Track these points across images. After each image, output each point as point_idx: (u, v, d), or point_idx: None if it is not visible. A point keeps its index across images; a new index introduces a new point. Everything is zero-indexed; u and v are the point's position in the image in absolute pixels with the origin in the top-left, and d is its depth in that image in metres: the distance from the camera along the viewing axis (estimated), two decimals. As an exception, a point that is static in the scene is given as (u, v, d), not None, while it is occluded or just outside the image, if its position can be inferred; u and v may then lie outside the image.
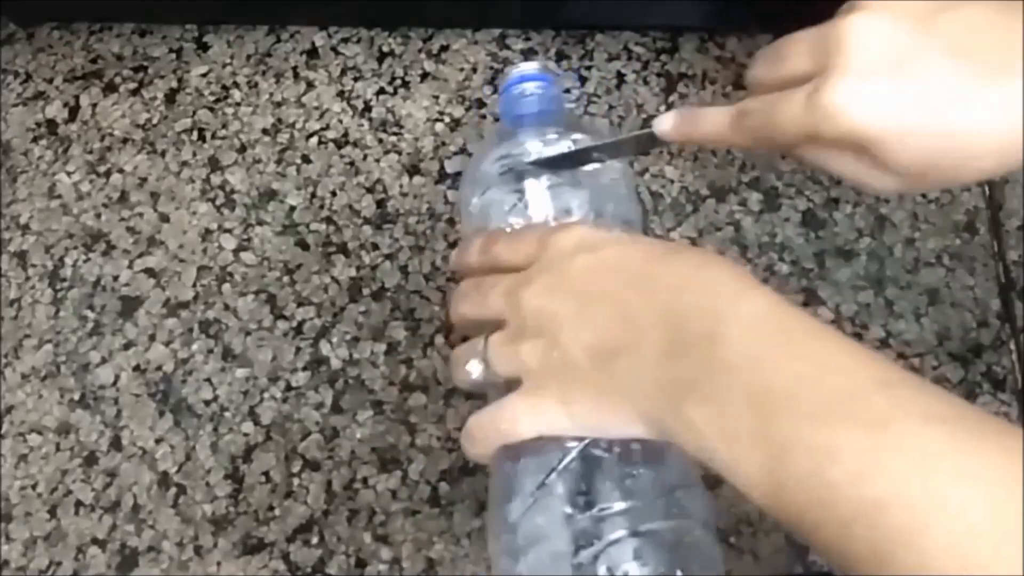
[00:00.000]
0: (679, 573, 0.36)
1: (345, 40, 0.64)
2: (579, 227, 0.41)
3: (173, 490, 0.53)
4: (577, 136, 0.47)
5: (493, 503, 0.40)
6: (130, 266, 0.59)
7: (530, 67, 0.49)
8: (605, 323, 0.36)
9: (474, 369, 0.40)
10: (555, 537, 0.37)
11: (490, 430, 0.39)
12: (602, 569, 0.36)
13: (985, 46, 0.35)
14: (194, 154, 0.61)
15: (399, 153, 0.60)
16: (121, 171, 0.61)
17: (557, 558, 0.36)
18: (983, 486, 0.28)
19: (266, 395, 0.54)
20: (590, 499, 0.37)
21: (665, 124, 0.43)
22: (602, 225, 0.44)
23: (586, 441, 0.38)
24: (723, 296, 0.35)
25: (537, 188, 0.45)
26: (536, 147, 0.46)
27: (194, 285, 0.58)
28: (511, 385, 0.39)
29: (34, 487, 0.54)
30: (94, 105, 0.63)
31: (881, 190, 0.38)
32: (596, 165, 0.46)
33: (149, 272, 0.58)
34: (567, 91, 0.60)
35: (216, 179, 0.60)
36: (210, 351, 0.56)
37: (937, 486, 0.28)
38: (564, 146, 0.46)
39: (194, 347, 0.56)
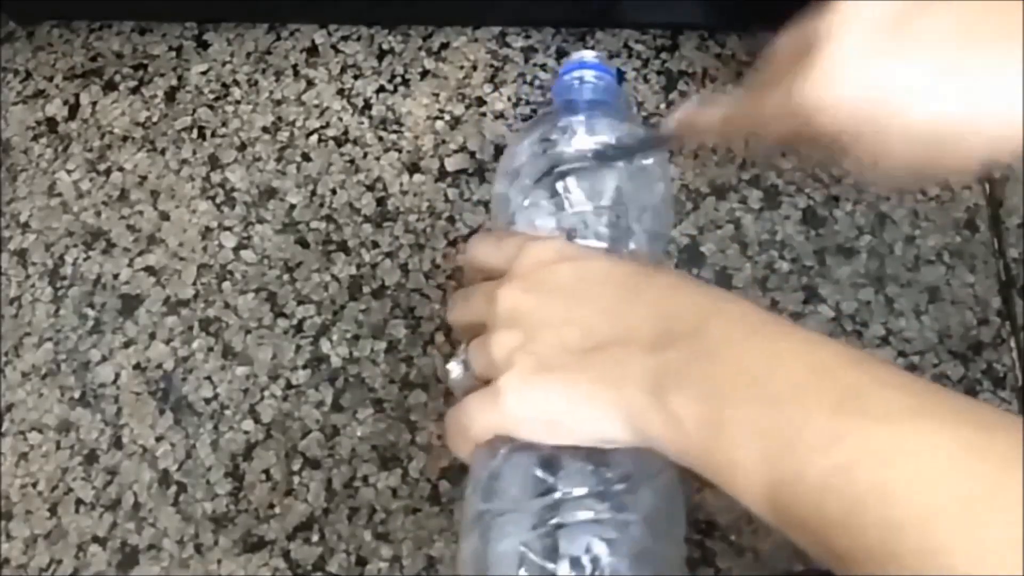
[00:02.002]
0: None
1: (345, 38, 0.64)
2: (558, 240, 0.42)
3: (173, 488, 0.53)
4: (625, 130, 0.46)
5: (471, 498, 0.40)
6: (130, 264, 0.59)
7: (590, 55, 0.49)
8: (592, 323, 0.37)
9: (453, 368, 0.41)
10: (521, 512, 0.37)
11: (454, 427, 0.39)
12: (561, 547, 0.36)
13: (977, 34, 0.35)
14: (194, 152, 0.61)
15: (399, 151, 0.60)
16: (121, 169, 0.61)
17: (520, 529, 0.37)
18: (995, 492, 0.28)
19: (266, 393, 0.54)
20: (554, 482, 0.37)
21: (668, 123, 0.44)
22: (627, 227, 0.44)
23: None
24: (709, 298, 0.36)
25: (572, 182, 0.45)
26: (582, 136, 0.45)
27: (194, 283, 0.58)
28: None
29: (34, 485, 0.54)
30: (94, 103, 0.63)
31: (878, 182, 0.39)
32: (645, 162, 0.46)
33: (149, 270, 0.58)
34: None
35: (216, 177, 0.60)
36: (210, 349, 0.56)
37: (942, 478, 0.28)
38: (606, 138, 0.46)
39: (194, 345, 0.56)
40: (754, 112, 0.39)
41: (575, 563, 0.36)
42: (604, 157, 0.45)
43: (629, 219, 0.44)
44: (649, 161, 0.46)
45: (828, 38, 0.35)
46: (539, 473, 0.38)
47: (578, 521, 0.37)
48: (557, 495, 0.37)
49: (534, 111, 0.60)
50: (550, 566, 0.36)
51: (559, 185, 0.44)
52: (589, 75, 0.48)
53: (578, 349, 0.36)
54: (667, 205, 0.48)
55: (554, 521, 0.37)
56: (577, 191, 0.44)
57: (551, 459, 0.38)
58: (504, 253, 0.41)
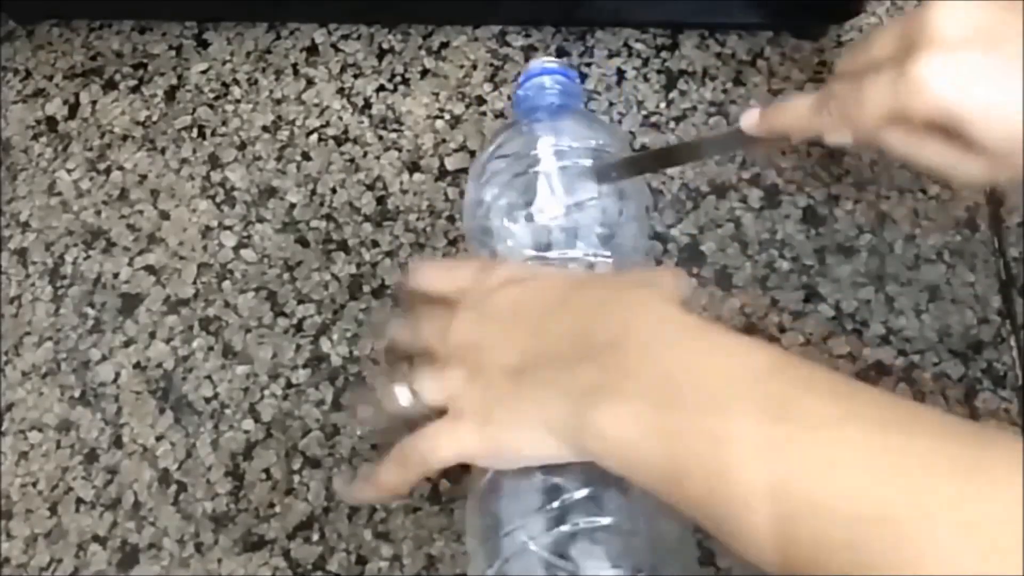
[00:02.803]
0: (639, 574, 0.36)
1: (345, 37, 0.64)
2: (510, 263, 0.42)
3: (174, 487, 0.53)
4: (595, 135, 0.46)
5: (474, 525, 0.40)
6: (130, 263, 0.58)
7: (551, 61, 0.49)
8: (523, 344, 0.37)
9: (402, 395, 0.40)
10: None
11: (413, 455, 0.39)
12: (571, 552, 0.36)
13: None
14: (194, 151, 0.61)
15: (399, 150, 0.60)
16: (121, 168, 0.61)
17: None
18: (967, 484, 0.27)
19: (266, 392, 0.54)
20: (555, 490, 0.37)
21: (750, 119, 0.42)
22: (613, 231, 0.44)
23: (579, 492, 0.38)
24: (632, 307, 0.36)
25: (546, 189, 0.45)
26: (549, 144, 0.45)
27: (194, 282, 0.58)
28: (439, 415, 0.39)
29: (35, 484, 0.54)
30: (94, 102, 0.63)
31: (969, 177, 0.38)
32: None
33: (149, 269, 0.58)
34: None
35: (216, 176, 0.60)
36: (210, 348, 0.56)
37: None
38: (580, 145, 0.45)
39: (194, 344, 0.56)
40: (854, 95, 0.38)
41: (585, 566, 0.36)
42: (666, 161, 0.44)
43: (608, 222, 0.44)
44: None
45: (943, 15, 0.35)
46: (539, 484, 0.38)
47: (582, 528, 0.37)
48: (557, 504, 0.37)
49: (534, 110, 0.60)
50: (564, 568, 0.36)
51: (535, 189, 0.44)
52: (551, 81, 0.48)
53: (513, 372, 0.36)
54: (643, 202, 0.48)
55: (561, 529, 0.37)
56: (551, 196, 0.44)
57: (548, 471, 0.38)
58: (455, 282, 0.41)
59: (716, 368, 0.32)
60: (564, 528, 0.37)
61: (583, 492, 0.37)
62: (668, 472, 0.32)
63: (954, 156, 0.37)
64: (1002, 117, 0.35)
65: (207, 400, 0.55)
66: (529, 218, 0.44)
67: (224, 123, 0.62)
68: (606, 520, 0.37)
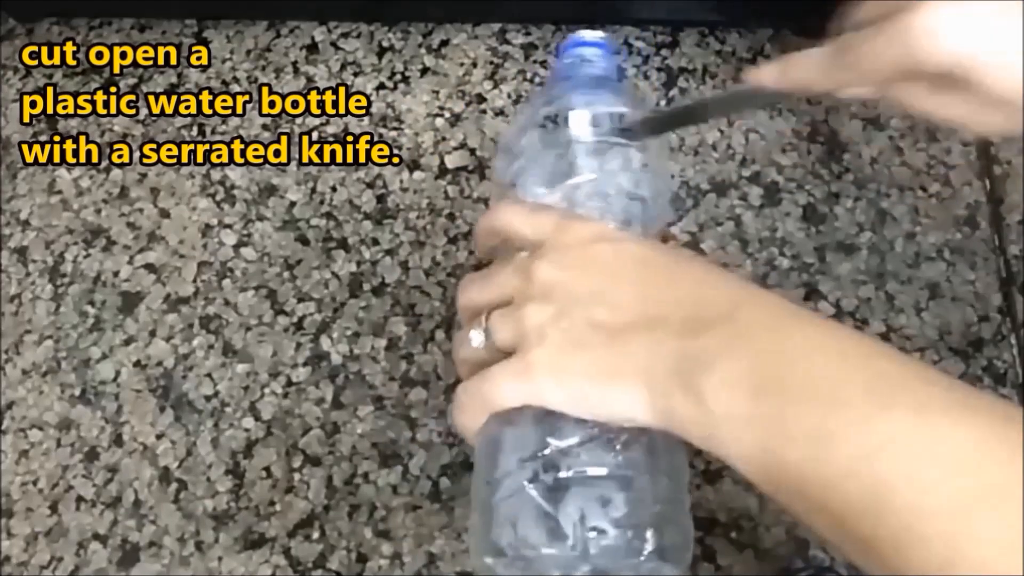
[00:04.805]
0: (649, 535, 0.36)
1: (345, 35, 0.64)
2: (596, 221, 0.42)
3: (174, 486, 0.53)
4: (628, 108, 0.46)
5: (476, 473, 0.40)
6: (130, 262, 0.58)
7: (592, 34, 0.49)
8: (626, 303, 0.37)
9: (475, 337, 0.40)
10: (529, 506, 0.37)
11: (476, 396, 0.39)
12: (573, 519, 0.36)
13: None
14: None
15: (399, 148, 0.60)
16: (121, 167, 0.61)
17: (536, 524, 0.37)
18: (982, 464, 0.28)
19: (267, 390, 0.54)
20: (553, 442, 0.37)
21: (769, 73, 0.43)
22: (636, 200, 0.44)
23: (579, 437, 0.38)
24: (739, 287, 0.37)
25: (578, 159, 0.45)
26: (583, 114, 0.45)
27: (194, 281, 0.58)
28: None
29: (35, 483, 0.54)
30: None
31: (985, 127, 0.38)
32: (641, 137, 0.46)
33: (149, 268, 0.58)
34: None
35: (216, 174, 0.60)
36: (211, 347, 0.56)
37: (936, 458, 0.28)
38: (615, 113, 0.45)
39: (195, 343, 0.56)
40: (863, 45, 0.38)
41: (574, 516, 0.36)
42: (682, 118, 0.44)
43: (635, 193, 0.44)
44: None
45: None
46: (537, 430, 0.38)
47: (576, 475, 0.36)
48: (551, 449, 0.37)
49: (534, 108, 0.60)
50: (550, 514, 0.36)
51: (570, 163, 0.44)
52: (590, 52, 0.48)
53: (609, 328, 0.36)
54: (668, 176, 0.48)
55: (554, 474, 0.37)
56: (583, 166, 0.44)
57: (547, 417, 0.38)
58: (539, 226, 0.41)
59: (823, 349, 0.33)
60: (559, 474, 0.37)
61: (579, 440, 0.37)
62: (761, 447, 0.32)
63: (969, 108, 0.37)
64: (1012, 66, 0.34)
65: (207, 398, 0.55)
66: (560, 187, 0.44)
67: (224, 122, 0.62)
68: (602, 470, 0.37)
